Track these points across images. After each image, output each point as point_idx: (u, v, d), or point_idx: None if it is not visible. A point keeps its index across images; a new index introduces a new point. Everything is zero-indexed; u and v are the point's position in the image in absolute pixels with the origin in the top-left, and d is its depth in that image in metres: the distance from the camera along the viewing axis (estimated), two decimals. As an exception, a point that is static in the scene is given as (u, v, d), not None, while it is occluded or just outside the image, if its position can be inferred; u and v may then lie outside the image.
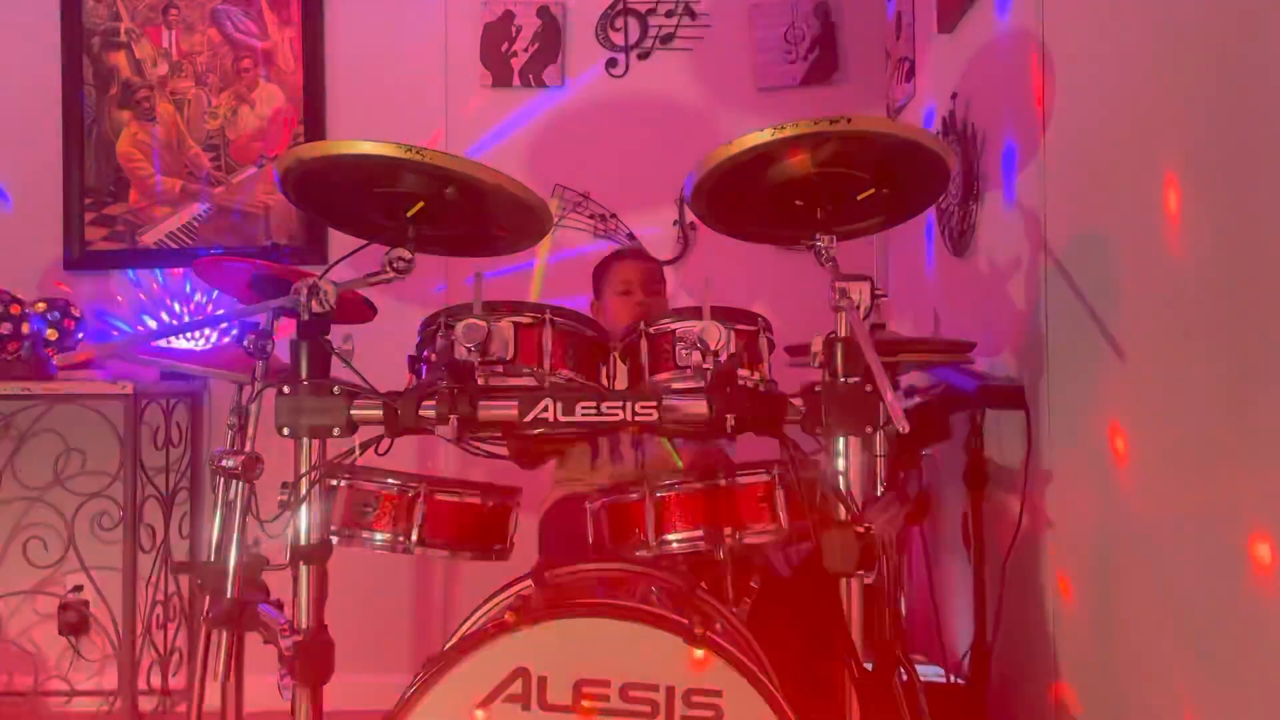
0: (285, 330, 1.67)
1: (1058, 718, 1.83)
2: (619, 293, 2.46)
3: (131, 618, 2.68)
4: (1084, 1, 1.75)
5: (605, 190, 3.12)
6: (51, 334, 2.74)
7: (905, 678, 1.64)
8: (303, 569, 1.54)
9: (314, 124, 3.13)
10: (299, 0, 3.13)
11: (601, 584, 1.67)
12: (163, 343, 2.54)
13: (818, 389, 1.48)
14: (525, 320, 1.60)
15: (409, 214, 1.58)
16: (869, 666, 1.45)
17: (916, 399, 1.89)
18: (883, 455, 1.74)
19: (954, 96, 2.41)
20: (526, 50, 3.12)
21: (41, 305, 2.78)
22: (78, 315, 2.84)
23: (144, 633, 2.82)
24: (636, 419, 1.52)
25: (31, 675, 2.82)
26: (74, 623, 2.98)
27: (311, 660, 1.49)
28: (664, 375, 1.61)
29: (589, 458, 2.48)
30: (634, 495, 1.70)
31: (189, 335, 2.97)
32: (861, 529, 1.39)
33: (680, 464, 2.33)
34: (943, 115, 2.48)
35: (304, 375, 1.54)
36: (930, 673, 2.09)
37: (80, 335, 2.87)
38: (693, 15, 3.13)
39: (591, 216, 3.12)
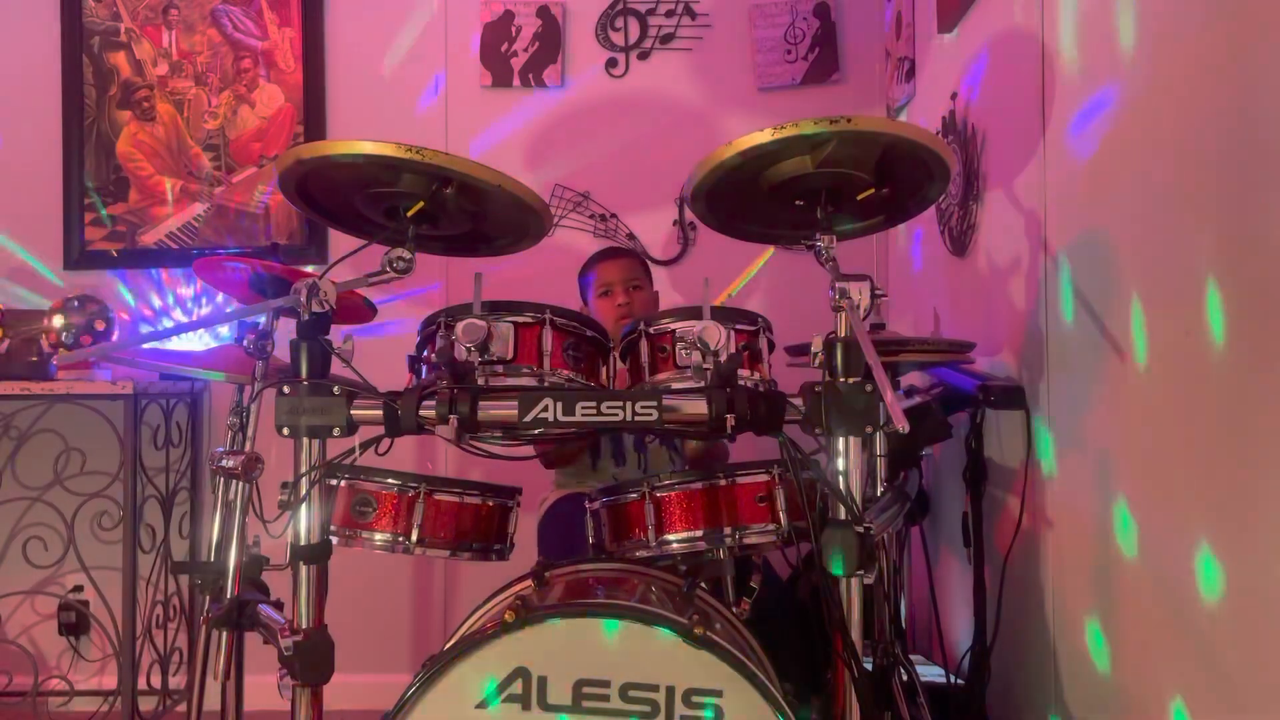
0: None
1: (1057, 718, 1.83)
2: (600, 295, 2.47)
3: (131, 618, 2.68)
4: (1084, 1, 1.75)
5: (605, 190, 3.12)
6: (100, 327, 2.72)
7: (905, 678, 1.65)
8: (303, 569, 1.54)
9: (314, 124, 3.13)
10: (299, 0, 3.13)
11: (601, 584, 1.67)
12: (162, 343, 2.54)
13: (818, 389, 1.48)
14: (525, 320, 1.60)
15: (409, 214, 1.58)
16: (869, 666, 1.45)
17: (916, 399, 1.88)
18: (883, 455, 1.75)
19: (954, 96, 2.42)
20: (526, 50, 3.12)
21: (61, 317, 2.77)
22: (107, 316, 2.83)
23: (144, 633, 2.82)
24: (636, 419, 1.52)
25: (31, 675, 2.82)
26: (74, 623, 2.98)
27: (311, 660, 1.49)
28: (664, 375, 1.61)
29: (590, 461, 2.48)
30: (634, 495, 1.70)
31: (189, 335, 2.97)
32: (861, 529, 1.40)
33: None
34: (943, 115, 2.48)
35: (304, 375, 1.54)
36: (930, 673, 2.09)
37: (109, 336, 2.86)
38: (693, 15, 3.13)
39: (591, 216, 3.12)
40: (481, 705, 1.40)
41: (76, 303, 2.78)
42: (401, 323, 2.87)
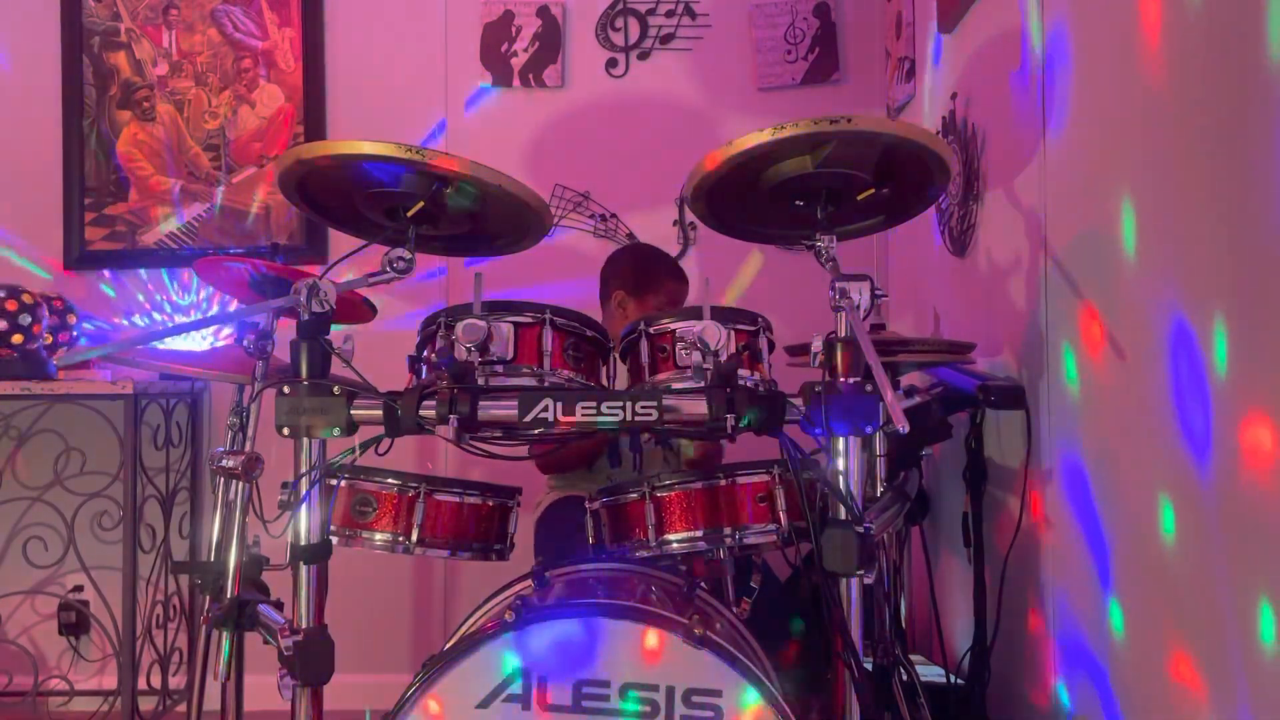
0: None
1: (1057, 718, 1.83)
2: (659, 307, 2.45)
3: (131, 618, 2.68)
4: (1084, 1, 1.75)
5: (605, 190, 3.12)
6: (47, 338, 2.74)
7: (905, 678, 1.65)
8: (303, 569, 1.54)
9: (314, 124, 3.13)
10: (299, 0, 3.13)
11: (601, 584, 1.67)
12: (162, 343, 2.54)
13: (818, 389, 1.48)
14: (525, 320, 1.60)
15: (409, 214, 1.58)
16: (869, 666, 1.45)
17: (916, 399, 1.88)
18: (883, 455, 1.75)
19: (954, 96, 2.42)
20: (526, 50, 3.12)
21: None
22: (74, 319, 2.85)
23: (144, 633, 2.82)
24: (636, 419, 1.52)
25: (31, 675, 2.82)
26: (74, 623, 2.98)
27: (311, 660, 1.49)
28: (664, 375, 1.61)
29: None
30: (634, 495, 1.70)
31: (189, 335, 2.97)
32: (861, 529, 1.40)
33: (690, 454, 2.33)
34: (943, 115, 2.48)
35: (304, 375, 1.53)
36: (930, 673, 2.09)
37: (79, 336, 2.88)
38: (693, 15, 3.13)
39: (591, 216, 3.12)
40: (482, 705, 1.40)
41: (37, 303, 2.75)
42: (401, 322, 2.87)
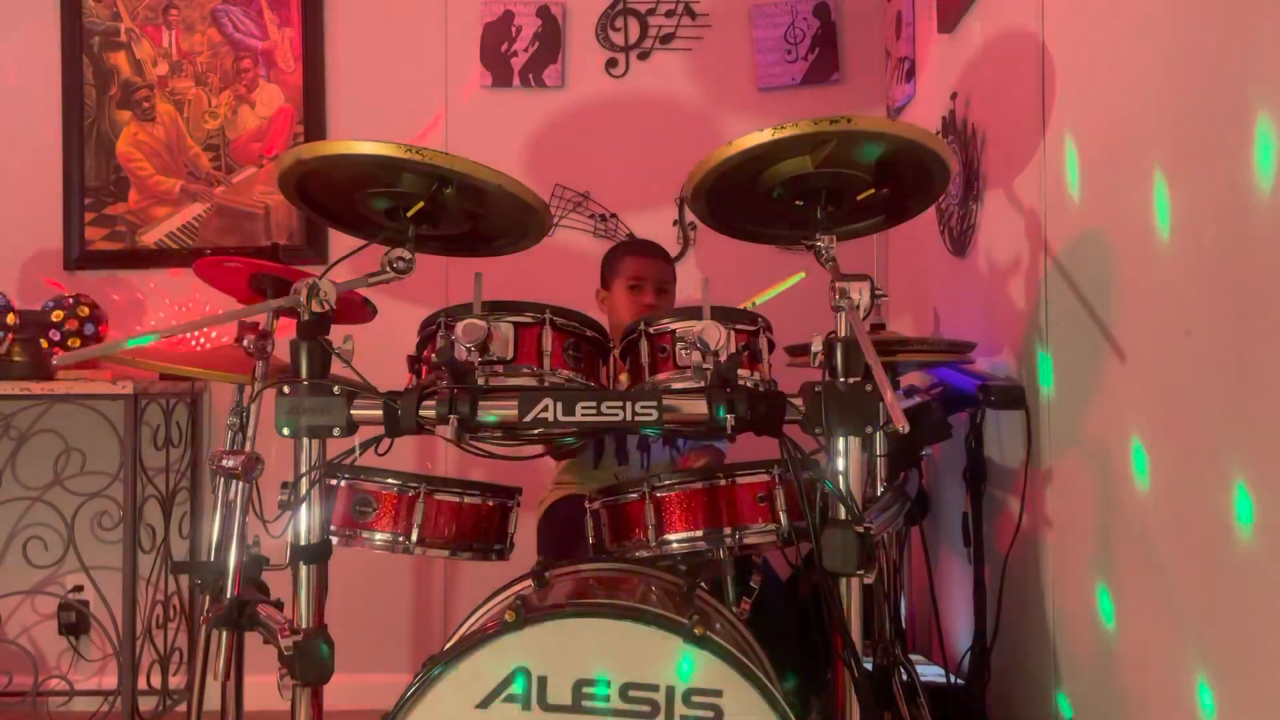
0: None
1: (1057, 718, 1.83)
2: (630, 287, 2.43)
3: (131, 618, 2.68)
4: (1084, 1, 1.75)
5: (605, 190, 3.12)
6: (74, 340, 2.76)
7: (905, 678, 1.65)
8: (303, 569, 1.54)
9: (314, 124, 3.13)
10: (299, 0, 3.13)
11: (601, 584, 1.67)
12: (162, 343, 2.54)
13: (818, 389, 1.48)
14: (525, 320, 1.60)
15: (409, 214, 1.58)
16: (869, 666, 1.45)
17: (916, 399, 1.88)
18: (883, 455, 1.75)
19: (954, 96, 2.42)
20: (526, 50, 3.12)
21: (59, 314, 2.80)
22: (99, 316, 2.86)
23: (144, 633, 2.82)
24: (636, 419, 1.52)
25: (31, 675, 2.82)
26: (74, 623, 2.98)
27: (311, 660, 1.49)
28: (664, 375, 1.61)
29: (592, 459, 2.47)
30: (634, 495, 1.70)
31: (189, 335, 2.97)
32: (861, 529, 1.40)
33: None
34: (943, 115, 2.48)
35: (304, 375, 1.53)
36: (930, 673, 2.09)
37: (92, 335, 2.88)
38: (693, 15, 3.13)
39: (591, 216, 3.12)
40: (481, 705, 1.40)
41: (70, 302, 2.80)
42: (401, 322, 2.87)
